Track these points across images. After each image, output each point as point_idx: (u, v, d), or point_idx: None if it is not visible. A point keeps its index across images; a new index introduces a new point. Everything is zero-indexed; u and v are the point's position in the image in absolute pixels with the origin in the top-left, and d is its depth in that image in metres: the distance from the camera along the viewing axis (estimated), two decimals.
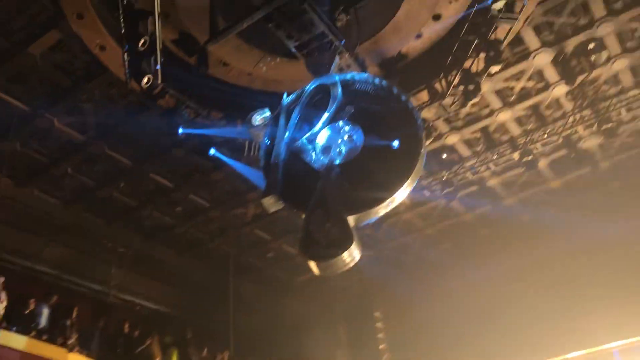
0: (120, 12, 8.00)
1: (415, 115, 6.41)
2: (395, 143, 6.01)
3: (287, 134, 6.36)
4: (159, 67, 8.23)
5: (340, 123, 6.40)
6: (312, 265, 5.61)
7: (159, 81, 8.32)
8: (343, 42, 8.13)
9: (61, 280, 14.05)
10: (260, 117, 7.04)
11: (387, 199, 5.92)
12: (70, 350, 11.28)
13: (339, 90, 6.59)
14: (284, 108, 6.73)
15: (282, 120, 6.54)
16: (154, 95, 9.43)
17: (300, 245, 5.68)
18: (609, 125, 12.27)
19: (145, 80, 8.20)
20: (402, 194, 5.99)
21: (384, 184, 6.01)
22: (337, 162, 6.13)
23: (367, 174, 6.11)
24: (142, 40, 8.03)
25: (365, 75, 6.99)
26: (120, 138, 12.20)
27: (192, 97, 9.81)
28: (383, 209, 6.02)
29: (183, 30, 9.67)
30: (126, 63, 8.35)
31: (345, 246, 5.50)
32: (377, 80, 6.78)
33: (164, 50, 8.45)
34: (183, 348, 14.64)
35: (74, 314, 12.10)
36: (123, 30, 8.15)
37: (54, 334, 11.35)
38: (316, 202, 5.76)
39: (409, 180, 5.95)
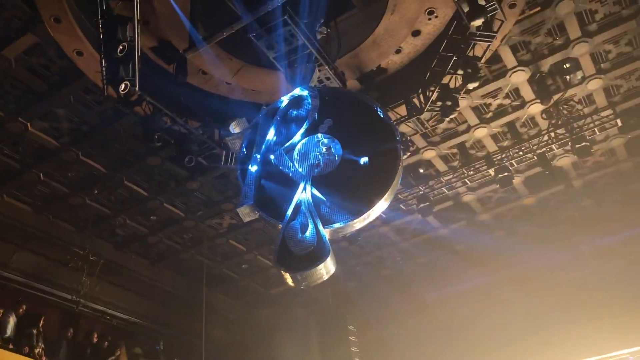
0: (99, 17, 7.93)
1: (394, 131, 6.47)
2: (366, 159, 6.09)
3: (264, 144, 6.33)
4: (137, 74, 8.16)
5: (319, 135, 6.41)
6: (287, 277, 5.57)
7: (137, 88, 8.24)
8: (323, 54, 8.16)
9: (29, 288, 13.73)
10: (238, 126, 7.01)
11: (364, 213, 5.91)
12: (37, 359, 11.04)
13: (318, 102, 6.61)
14: (262, 117, 6.71)
15: (259, 130, 6.51)
16: (131, 102, 9.33)
17: (275, 257, 5.62)
18: (582, 144, 12.44)
19: (122, 87, 8.12)
20: (378, 209, 6.01)
21: (361, 197, 6.01)
22: (315, 174, 6.12)
23: (344, 187, 6.10)
24: (121, 47, 7.97)
25: (344, 89, 7.04)
26: (95, 145, 12.04)
27: (170, 105, 9.72)
28: (359, 223, 6.02)
29: (162, 38, 9.62)
30: (103, 69, 8.28)
31: (321, 259, 5.47)
32: (356, 95, 6.85)
33: (142, 58, 8.38)
34: (153, 359, 14.42)
35: (41, 323, 11.86)
36: (101, 36, 8.07)
37: (21, 343, 11.10)
38: (292, 213, 5.74)
39: (386, 196, 5.97)
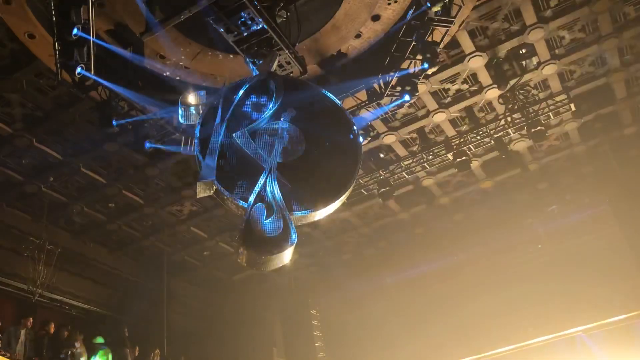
0: None
1: (355, 129, 6.83)
2: (327, 153, 6.45)
3: (224, 121, 6.27)
4: (92, 58, 7.97)
5: (281, 123, 6.45)
6: (247, 258, 5.58)
7: (92, 72, 8.05)
8: (283, 38, 8.11)
9: None
10: (195, 98, 6.92)
11: (323, 207, 6.17)
12: None
13: (282, 89, 6.64)
14: (223, 95, 6.63)
15: (220, 107, 6.43)
16: (86, 87, 9.11)
17: (241, 236, 5.59)
18: (538, 128, 12.73)
19: (77, 71, 7.93)
20: (337, 204, 6.32)
21: (321, 191, 6.26)
22: (279, 160, 6.15)
23: (305, 178, 6.28)
24: (75, 30, 7.76)
25: (307, 82, 7.11)
26: (50, 131, 11.72)
27: (127, 90, 9.52)
28: (318, 216, 6.27)
29: (118, 21, 9.39)
30: (57, 53, 8.05)
31: (286, 246, 5.53)
32: (318, 89, 6.99)
33: (97, 41, 8.19)
34: (113, 348, 14.23)
35: None
36: (54, 18, 7.84)
37: None
38: (257, 196, 5.75)
39: (346, 193, 6.34)
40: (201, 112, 6.80)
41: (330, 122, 6.83)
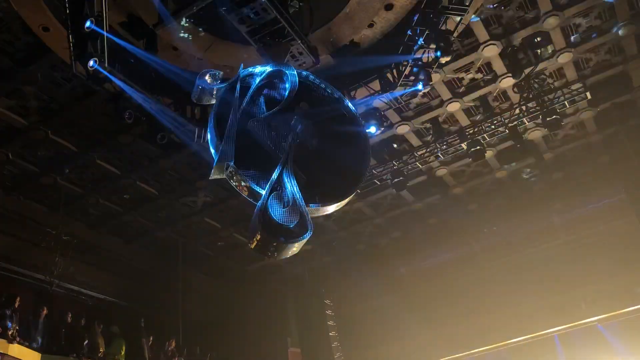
0: None
1: (363, 133, 7.06)
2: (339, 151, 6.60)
3: (242, 106, 6.27)
4: (105, 50, 8.00)
5: (295, 116, 6.48)
6: (262, 243, 5.58)
7: (106, 64, 8.08)
8: (295, 29, 8.08)
9: (1, 270, 13.55)
10: (211, 78, 6.90)
11: (338, 200, 6.32)
12: (11, 341, 10.94)
13: (297, 82, 6.66)
14: (240, 78, 6.62)
15: (237, 90, 6.43)
16: (100, 79, 9.14)
17: (257, 220, 5.58)
18: (553, 117, 12.61)
19: (91, 63, 7.95)
20: (347, 200, 6.48)
21: (335, 183, 6.39)
22: (293, 151, 6.18)
23: (320, 171, 6.34)
24: (88, 22, 7.78)
25: (321, 81, 7.16)
26: (65, 123, 11.80)
27: (141, 81, 9.54)
28: (331, 209, 6.39)
29: (131, 13, 9.40)
30: (71, 45, 8.08)
31: (302, 236, 5.57)
32: (330, 90, 7.08)
33: (111, 33, 8.21)
34: (129, 338, 14.40)
35: (17, 304, 11.73)
36: (68, 11, 7.87)
37: None
38: (275, 183, 5.77)
39: (354, 190, 6.58)
40: (215, 92, 6.79)
41: (340, 121, 6.95)
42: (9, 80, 10.54)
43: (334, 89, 7.19)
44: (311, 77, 7.09)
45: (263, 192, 5.73)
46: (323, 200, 6.15)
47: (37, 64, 10.29)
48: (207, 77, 6.92)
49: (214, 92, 6.83)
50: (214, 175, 5.93)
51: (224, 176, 5.91)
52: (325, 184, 6.31)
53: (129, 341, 14.30)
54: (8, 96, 10.94)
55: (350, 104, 7.20)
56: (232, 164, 5.77)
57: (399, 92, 10.90)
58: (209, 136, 6.25)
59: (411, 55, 10.14)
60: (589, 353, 16.10)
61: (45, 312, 12.56)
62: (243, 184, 5.90)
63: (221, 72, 6.97)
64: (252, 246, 5.65)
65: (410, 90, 10.60)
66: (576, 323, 16.38)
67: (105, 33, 7.94)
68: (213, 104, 6.70)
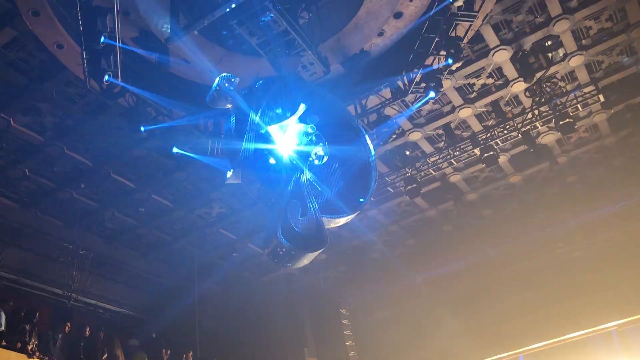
0: (78, 9, 7.84)
1: (369, 151, 7.19)
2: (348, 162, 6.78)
3: (259, 115, 6.37)
4: (118, 65, 8.10)
5: (309, 128, 6.55)
6: (276, 250, 5.63)
7: (119, 79, 8.19)
8: (305, 40, 8.15)
9: (20, 285, 13.71)
10: (228, 81, 6.95)
11: (347, 215, 6.49)
12: (30, 355, 11.01)
13: (308, 94, 6.76)
14: (255, 90, 6.71)
15: (254, 101, 6.53)
16: (114, 94, 9.26)
17: (280, 228, 5.65)
18: (566, 120, 12.54)
19: (104, 78, 8.07)
20: (358, 211, 6.65)
21: (346, 195, 6.55)
22: (309, 163, 6.27)
23: (330, 184, 6.49)
24: (101, 38, 7.90)
25: (330, 96, 7.29)
26: (80, 138, 11.94)
27: (153, 95, 9.65)
28: (342, 221, 6.53)
29: (143, 28, 9.53)
30: (85, 61, 8.20)
31: (319, 247, 5.61)
32: (339, 105, 7.21)
33: (123, 49, 8.32)
34: (147, 350, 14.44)
35: (36, 319, 11.83)
36: (81, 28, 7.99)
37: (13, 339, 11.05)
38: (292, 192, 5.84)
39: (365, 201, 6.79)
40: (231, 98, 6.87)
41: (346, 134, 7.17)
42: (25, 97, 10.71)
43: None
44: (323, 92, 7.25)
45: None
46: (337, 211, 6.21)
47: (52, 81, 10.44)
48: (223, 81, 6.98)
49: (228, 98, 6.91)
50: (230, 180, 6.05)
51: (236, 182, 6.03)
52: (338, 195, 6.39)
53: (149, 354, 14.34)
54: (24, 113, 11.11)
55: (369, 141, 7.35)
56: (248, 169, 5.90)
57: (413, 106, 10.99)
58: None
59: (421, 62, 10.17)
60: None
61: (67, 327, 12.61)
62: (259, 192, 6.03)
63: (237, 78, 7.02)
64: (268, 256, 5.70)
65: (423, 101, 10.63)
66: (595, 328, 16.16)
67: (119, 44, 8.05)
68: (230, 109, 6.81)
